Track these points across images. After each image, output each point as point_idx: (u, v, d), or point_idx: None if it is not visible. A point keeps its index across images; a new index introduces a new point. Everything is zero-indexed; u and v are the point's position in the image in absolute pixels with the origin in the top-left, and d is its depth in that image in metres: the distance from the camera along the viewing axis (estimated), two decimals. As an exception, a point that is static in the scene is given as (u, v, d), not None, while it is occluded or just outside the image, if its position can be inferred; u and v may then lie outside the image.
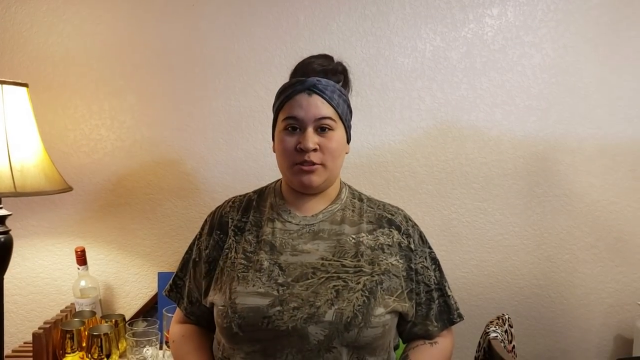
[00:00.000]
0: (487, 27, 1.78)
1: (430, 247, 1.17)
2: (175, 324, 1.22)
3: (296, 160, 1.06)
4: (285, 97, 1.08)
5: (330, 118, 1.06)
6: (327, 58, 1.13)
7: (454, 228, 1.83)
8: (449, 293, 1.17)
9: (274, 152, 1.14)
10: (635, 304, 1.81)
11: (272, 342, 0.99)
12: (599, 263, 1.84)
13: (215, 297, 1.07)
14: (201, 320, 1.18)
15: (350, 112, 1.15)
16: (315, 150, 1.05)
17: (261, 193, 1.19)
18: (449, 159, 1.81)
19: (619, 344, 1.86)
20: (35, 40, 1.74)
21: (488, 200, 1.82)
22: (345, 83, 1.14)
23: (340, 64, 1.14)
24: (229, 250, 1.10)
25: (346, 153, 1.14)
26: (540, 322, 1.85)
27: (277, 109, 1.11)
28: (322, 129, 1.06)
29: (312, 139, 1.04)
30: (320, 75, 1.09)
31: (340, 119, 1.09)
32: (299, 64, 1.13)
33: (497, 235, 1.83)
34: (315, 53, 1.17)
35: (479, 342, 1.44)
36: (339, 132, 1.09)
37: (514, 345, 1.52)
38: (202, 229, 1.19)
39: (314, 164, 1.05)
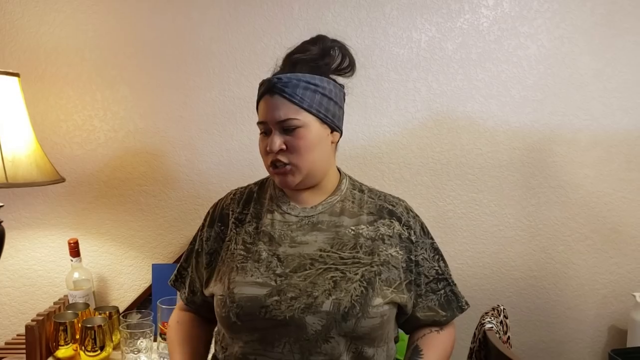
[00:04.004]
0: (482, 17, 1.77)
1: (432, 238, 1.16)
2: (176, 310, 1.24)
3: (268, 163, 1.07)
4: (257, 100, 1.10)
5: (290, 119, 1.02)
6: (310, 43, 1.11)
7: (449, 220, 1.82)
8: (454, 282, 1.16)
9: None
10: (629, 294, 1.81)
11: (270, 331, 0.99)
12: (594, 254, 1.84)
13: (215, 288, 1.08)
14: (201, 309, 1.19)
15: (331, 98, 1.07)
16: (282, 150, 1.04)
17: (262, 185, 1.20)
18: (444, 151, 1.80)
19: (613, 335, 1.87)
20: (26, 29, 1.72)
21: (483, 192, 1.82)
22: (342, 61, 1.11)
23: (326, 41, 1.10)
24: (230, 242, 1.11)
25: (332, 142, 1.10)
26: (535, 313, 1.86)
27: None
28: (285, 130, 1.04)
29: (275, 141, 1.03)
30: (306, 63, 1.08)
31: (309, 112, 1.04)
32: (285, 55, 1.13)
33: (492, 226, 1.83)
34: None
35: (474, 333, 1.44)
36: (309, 127, 1.04)
37: (509, 336, 1.52)
38: (205, 220, 1.20)
39: (284, 164, 1.05)
